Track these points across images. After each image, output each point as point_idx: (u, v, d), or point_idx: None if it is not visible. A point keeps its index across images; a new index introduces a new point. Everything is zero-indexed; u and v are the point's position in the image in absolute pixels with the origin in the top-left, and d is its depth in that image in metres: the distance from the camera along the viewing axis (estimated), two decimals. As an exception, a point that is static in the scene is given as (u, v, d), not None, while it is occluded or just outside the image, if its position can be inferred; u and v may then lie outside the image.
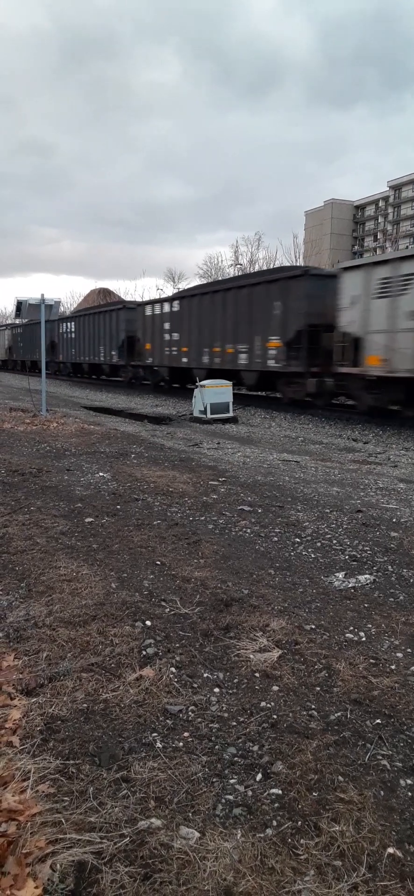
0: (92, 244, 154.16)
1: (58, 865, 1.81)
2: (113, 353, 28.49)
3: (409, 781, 2.23)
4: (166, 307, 24.08)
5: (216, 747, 2.42)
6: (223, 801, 2.12)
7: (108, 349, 29.04)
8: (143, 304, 27.13)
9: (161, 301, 25.36)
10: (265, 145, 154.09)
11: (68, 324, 34.91)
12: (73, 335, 33.69)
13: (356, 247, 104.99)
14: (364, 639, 3.35)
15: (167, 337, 23.69)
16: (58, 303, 15.03)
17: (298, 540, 5.07)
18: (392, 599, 3.90)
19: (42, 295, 14.13)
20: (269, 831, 1.98)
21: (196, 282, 67.99)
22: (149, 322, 25.17)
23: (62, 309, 39.97)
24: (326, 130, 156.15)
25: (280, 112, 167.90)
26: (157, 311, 24.58)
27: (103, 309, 31.30)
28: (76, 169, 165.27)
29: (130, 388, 28.10)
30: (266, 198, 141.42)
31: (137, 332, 26.20)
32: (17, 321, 38.67)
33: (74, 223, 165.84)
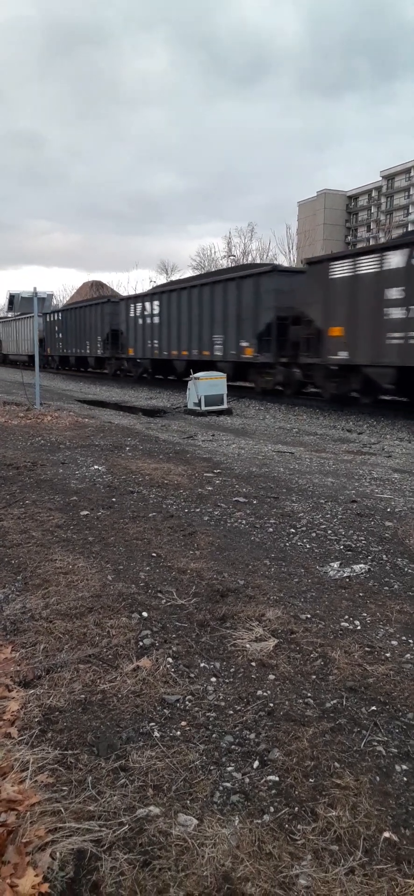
0: (84, 236, 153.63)
1: (57, 853, 1.83)
2: (243, 343, 18.22)
3: (404, 767, 2.26)
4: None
5: (213, 736, 2.44)
6: (221, 788, 2.14)
7: (233, 338, 18.65)
8: (327, 260, 15.72)
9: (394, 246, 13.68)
10: (257, 135, 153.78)
11: (147, 304, 24.32)
12: (154, 319, 23.46)
13: (350, 237, 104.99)
14: (359, 627, 3.37)
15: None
16: (51, 296, 15.10)
17: (293, 530, 5.09)
18: (387, 588, 3.93)
19: (34, 288, 14.09)
20: (266, 817, 2.00)
21: (190, 273, 67.67)
22: (343, 289, 14.33)
23: (54, 302, 38.45)
24: (318, 120, 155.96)
25: (271, 102, 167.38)
26: (389, 265, 13.08)
27: (223, 276, 20.74)
28: (67, 160, 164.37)
29: (124, 381, 25.44)
30: (258, 188, 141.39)
31: (306, 308, 15.67)
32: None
33: (66, 215, 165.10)
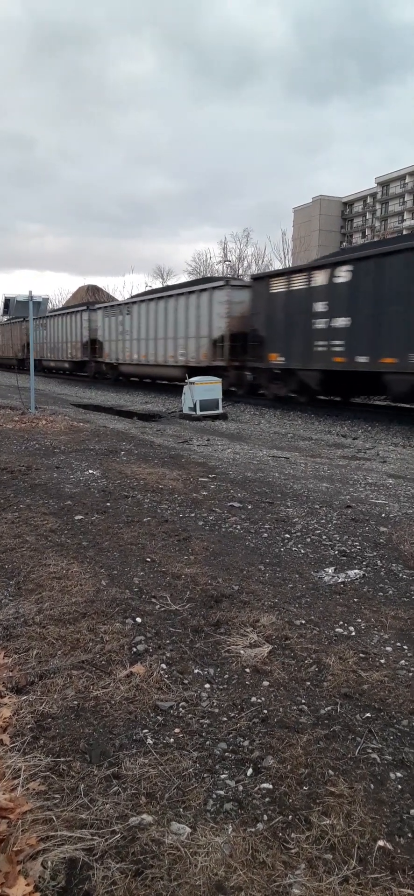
0: (76, 239, 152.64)
1: (49, 862, 1.81)
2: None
3: (399, 774, 2.25)
4: None
5: (207, 743, 2.42)
6: (214, 796, 2.13)
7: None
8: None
9: None
10: (246, 138, 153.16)
11: None
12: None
13: (345, 243, 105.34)
14: (354, 633, 3.36)
15: None
16: (46, 300, 14.96)
17: (287, 536, 5.09)
18: (381, 594, 3.92)
19: (30, 292, 14.05)
20: (259, 826, 1.99)
21: (185, 278, 67.66)
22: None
23: (50, 305, 38.10)
24: (307, 123, 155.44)
25: (259, 104, 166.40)
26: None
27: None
28: (57, 162, 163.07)
29: (120, 386, 26.86)
30: (249, 192, 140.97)
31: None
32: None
33: (58, 218, 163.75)
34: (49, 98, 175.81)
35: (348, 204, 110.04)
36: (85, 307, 30.79)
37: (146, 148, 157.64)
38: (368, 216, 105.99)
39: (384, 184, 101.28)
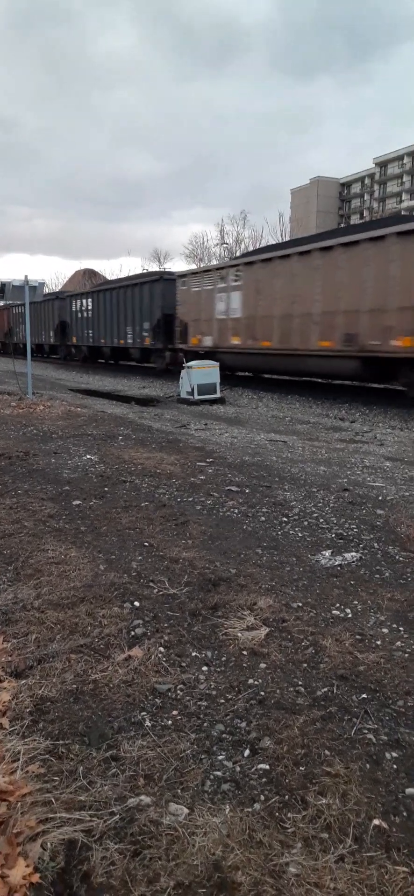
0: (65, 222, 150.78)
1: (48, 844, 1.83)
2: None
3: (394, 754, 2.27)
4: None
5: (205, 724, 2.44)
6: (212, 777, 2.15)
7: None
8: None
9: None
10: (231, 116, 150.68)
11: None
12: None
13: (343, 225, 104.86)
14: (350, 615, 3.39)
15: None
16: (42, 284, 14.89)
17: (285, 519, 5.10)
18: (378, 576, 3.95)
19: (25, 276, 13.98)
20: (256, 806, 2.01)
21: (182, 262, 67.28)
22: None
23: (46, 290, 38.44)
24: (293, 100, 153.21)
25: (243, 82, 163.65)
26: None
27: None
28: (41, 143, 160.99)
29: (117, 370, 26.89)
30: (239, 172, 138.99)
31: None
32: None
33: (45, 200, 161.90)
34: (29, 77, 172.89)
35: (346, 185, 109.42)
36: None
37: (131, 127, 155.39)
38: (367, 197, 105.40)
39: (382, 164, 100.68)
